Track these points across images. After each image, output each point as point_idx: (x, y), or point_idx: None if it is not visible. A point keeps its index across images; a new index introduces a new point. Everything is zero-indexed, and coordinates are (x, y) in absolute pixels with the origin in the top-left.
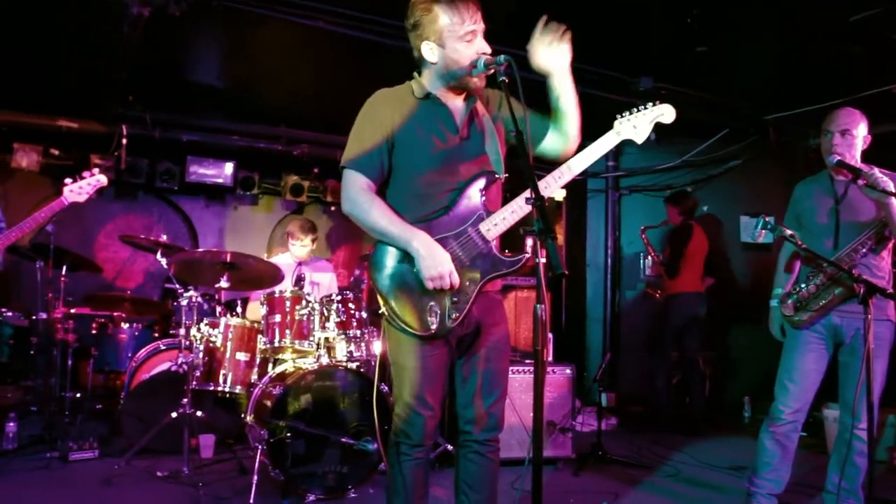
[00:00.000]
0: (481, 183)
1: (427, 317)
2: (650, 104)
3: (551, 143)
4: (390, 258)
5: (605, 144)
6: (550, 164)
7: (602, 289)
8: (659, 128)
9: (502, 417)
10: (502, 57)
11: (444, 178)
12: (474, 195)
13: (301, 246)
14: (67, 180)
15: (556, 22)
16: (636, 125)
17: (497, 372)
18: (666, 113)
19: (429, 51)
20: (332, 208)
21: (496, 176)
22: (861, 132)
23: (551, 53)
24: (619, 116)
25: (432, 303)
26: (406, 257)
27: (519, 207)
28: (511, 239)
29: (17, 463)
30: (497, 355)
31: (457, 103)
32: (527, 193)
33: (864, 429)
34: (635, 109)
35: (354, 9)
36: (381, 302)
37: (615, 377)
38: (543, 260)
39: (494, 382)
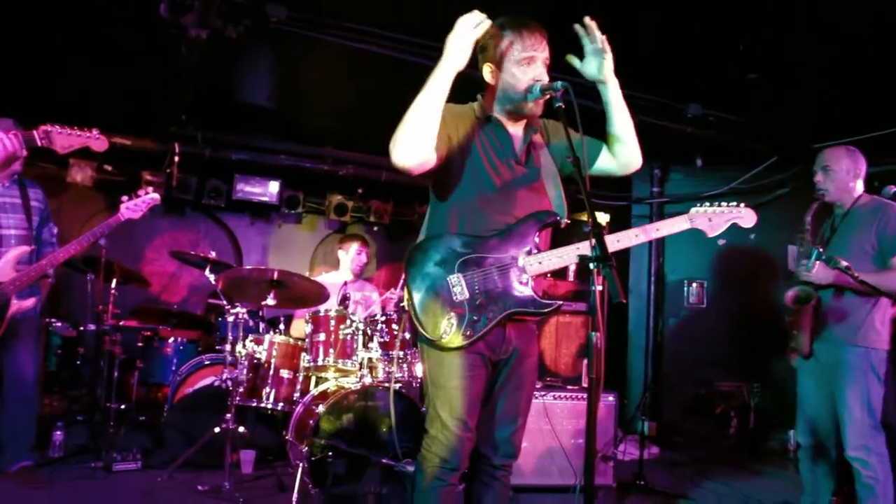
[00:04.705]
0: (542, 221)
1: (442, 323)
2: (732, 203)
3: (606, 163)
4: (428, 258)
5: (674, 226)
6: (607, 190)
7: (644, 316)
8: (705, 154)
9: (520, 445)
10: (559, 83)
11: (502, 201)
12: (530, 229)
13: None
14: (124, 198)
15: (595, 22)
16: (712, 219)
17: (523, 401)
18: (746, 217)
19: (489, 73)
20: (375, 228)
21: (559, 219)
22: (844, 167)
23: (595, 56)
24: (697, 205)
25: (453, 313)
26: (442, 261)
27: (567, 255)
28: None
29: (62, 472)
30: (526, 385)
31: (517, 130)
32: (578, 244)
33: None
34: (716, 204)
35: (404, 32)
36: (405, 296)
37: (657, 406)
38: (600, 288)
39: (519, 411)
